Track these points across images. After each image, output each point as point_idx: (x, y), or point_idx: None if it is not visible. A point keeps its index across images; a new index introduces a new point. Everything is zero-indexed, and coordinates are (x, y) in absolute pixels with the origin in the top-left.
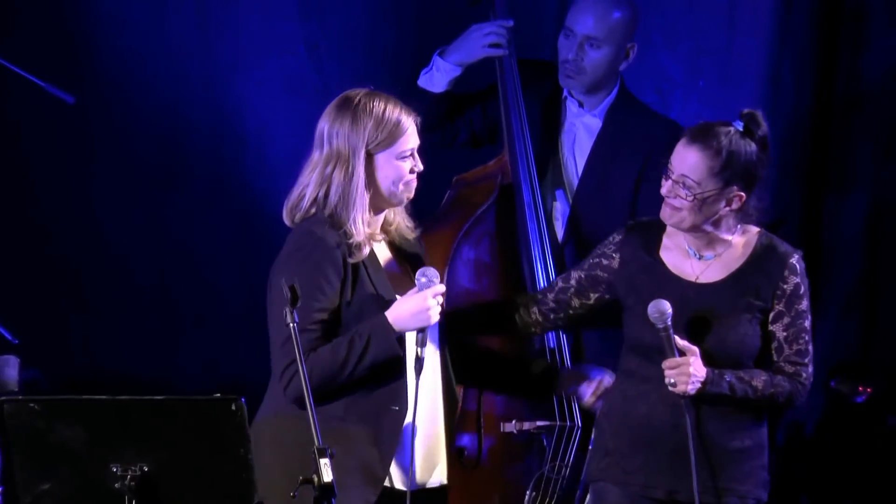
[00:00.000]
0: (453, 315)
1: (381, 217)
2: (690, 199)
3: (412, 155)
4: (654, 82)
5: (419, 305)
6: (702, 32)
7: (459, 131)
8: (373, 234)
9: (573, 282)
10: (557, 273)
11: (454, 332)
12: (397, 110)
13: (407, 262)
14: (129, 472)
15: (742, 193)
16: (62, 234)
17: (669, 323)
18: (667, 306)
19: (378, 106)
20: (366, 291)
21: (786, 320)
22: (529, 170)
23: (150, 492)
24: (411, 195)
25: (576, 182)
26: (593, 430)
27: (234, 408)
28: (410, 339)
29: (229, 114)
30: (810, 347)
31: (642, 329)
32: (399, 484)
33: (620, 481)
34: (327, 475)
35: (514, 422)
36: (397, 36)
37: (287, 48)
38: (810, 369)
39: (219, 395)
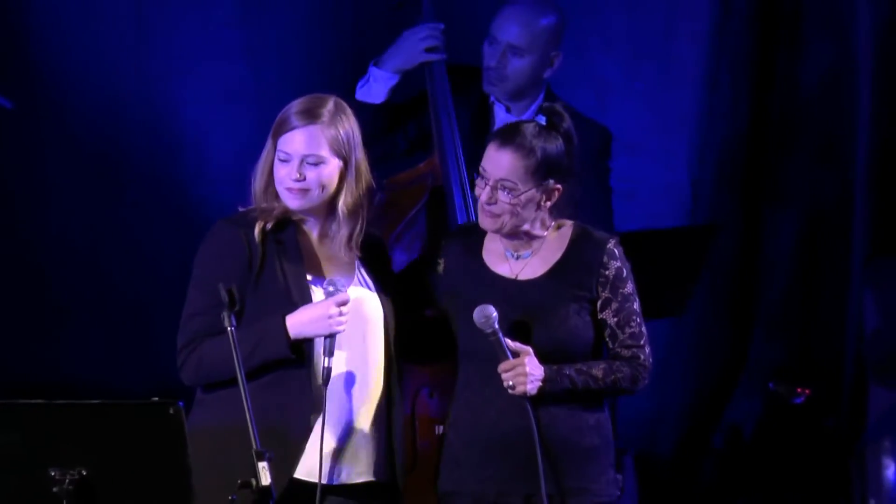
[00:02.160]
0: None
1: (282, 210)
2: (514, 201)
3: (287, 161)
4: (592, 85)
5: (320, 313)
6: (639, 35)
7: (399, 142)
8: (291, 218)
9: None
10: None
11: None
12: (289, 112)
13: (365, 268)
14: (68, 477)
15: (559, 186)
16: (8, 238)
17: (497, 327)
18: (492, 311)
19: (299, 99)
20: (274, 282)
21: (614, 306)
22: (460, 172)
23: (88, 496)
24: (296, 206)
25: None
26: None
27: (171, 412)
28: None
29: (167, 119)
30: (643, 329)
31: (472, 335)
32: (315, 479)
33: (475, 491)
34: (265, 479)
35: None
36: (336, 43)
37: (225, 54)
38: (647, 350)
39: (157, 398)
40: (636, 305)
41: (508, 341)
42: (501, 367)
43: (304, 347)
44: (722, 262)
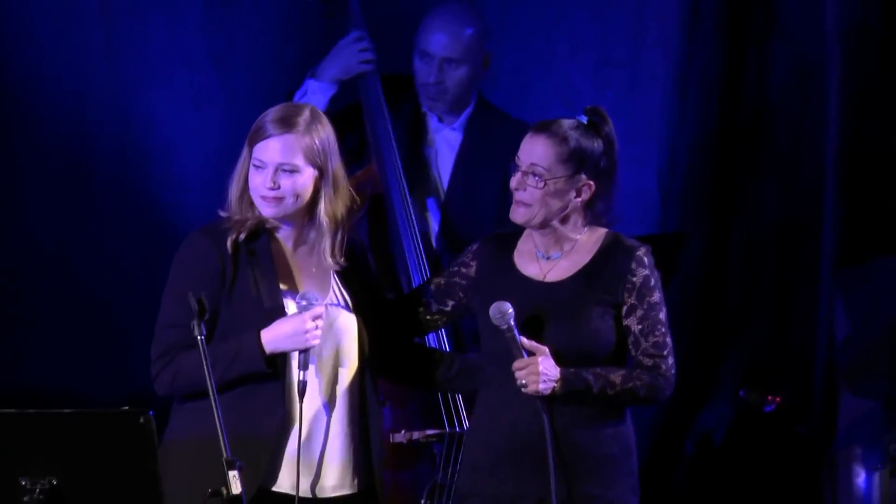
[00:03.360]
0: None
1: (257, 221)
2: (542, 186)
3: (258, 167)
4: (561, 94)
5: (295, 328)
6: (608, 43)
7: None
8: (265, 227)
9: (433, 287)
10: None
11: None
12: (264, 119)
13: (341, 280)
14: (38, 486)
15: (591, 183)
16: None
17: (512, 323)
18: (507, 307)
19: (275, 107)
20: (247, 294)
21: (639, 313)
22: (399, 180)
23: None
24: (270, 214)
25: (444, 190)
26: (463, 446)
27: (142, 421)
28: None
29: (136, 127)
30: (668, 339)
31: (493, 336)
32: (290, 491)
33: (491, 494)
34: (236, 487)
35: (402, 432)
36: (303, 50)
37: (194, 62)
38: (670, 361)
39: (127, 407)
40: (662, 315)
41: (524, 339)
42: (515, 364)
43: (278, 361)
44: (691, 269)
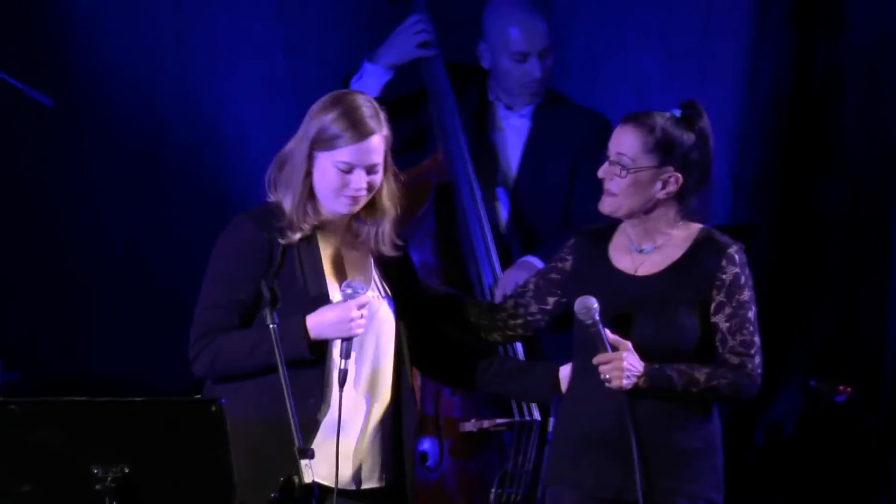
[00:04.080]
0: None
1: (322, 216)
2: (625, 175)
3: (350, 170)
4: (631, 84)
5: (340, 316)
6: (677, 33)
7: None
8: (318, 224)
9: (531, 286)
10: (503, 269)
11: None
12: (361, 118)
13: (380, 270)
14: (110, 474)
15: (678, 175)
16: (40, 239)
17: (597, 318)
18: (592, 301)
19: (349, 106)
20: (293, 282)
21: (727, 311)
22: (467, 169)
23: (130, 493)
24: (349, 211)
25: (513, 178)
26: (549, 433)
27: (213, 409)
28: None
29: (206, 117)
30: (756, 338)
31: (580, 327)
32: (323, 480)
33: (573, 483)
34: (308, 476)
35: (472, 421)
36: (371, 39)
37: (264, 50)
38: (757, 360)
39: (199, 396)
40: (751, 314)
41: (609, 334)
42: (598, 358)
43: (321, 348)
44: (761, 259)
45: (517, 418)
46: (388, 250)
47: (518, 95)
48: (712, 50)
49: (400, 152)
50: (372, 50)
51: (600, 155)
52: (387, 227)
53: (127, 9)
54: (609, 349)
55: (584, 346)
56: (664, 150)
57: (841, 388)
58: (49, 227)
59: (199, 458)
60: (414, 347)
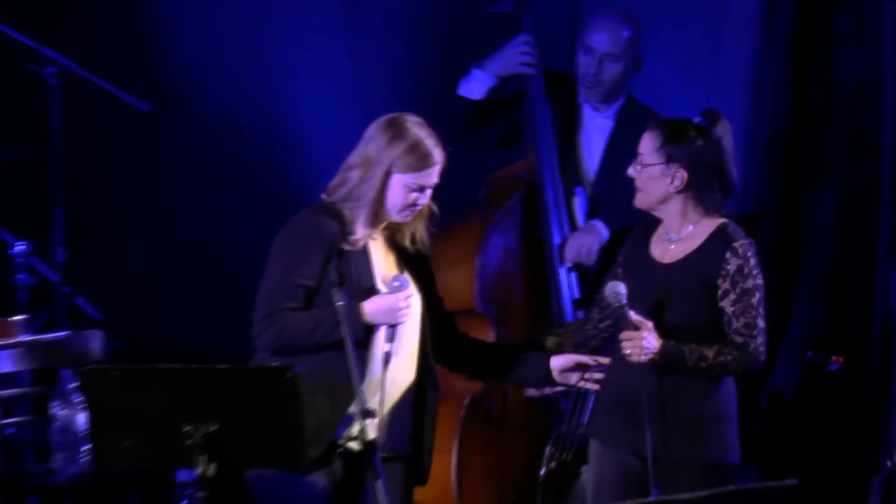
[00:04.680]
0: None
1: (383, 224)
2: (640, 171)
3: (421, 190)
4: (651, 92)
5: (391, 305)
6: (692, 47)
7: (489, 134)
8: (370, 234)
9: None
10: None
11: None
12: (432, 149)
13: (403, 266)
14: (199, 432)
15: (684, 173)
16: (138, 229)
17: (624, 301)
18: (621, 287)
19: (416, 138)
20: (347, 271)
21: (732, 297)
22: (553, 172)
23: (217, 448)
24: (407, 219)
25: (592, 177)
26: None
27: (288, 376)
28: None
29: (280, 122)
30: (760, 321)
31: (607, 298)
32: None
33: (604, 438)
34: (371, 433)
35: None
36: (428, 53)
37: (332, 60)
38: (759, 340)
39: (276, 364)
40: (755, 300)
41: (633, 315)
42: (622, 335)
43: (369, 332)
44: (765, 244)
45: (574, 387)
46: (423, 248)
47: (581, 87)
48: (723, 63)
49: (496, 148)
50: (428, 65)
51: None
52: (422, 229)
53: (212, 24)
54: (632, 328)
55: (618, 325)
56: (671, 150)
57: (834, 358)
58: (144, 217)
59: (276, 418)
60: (434, 336)
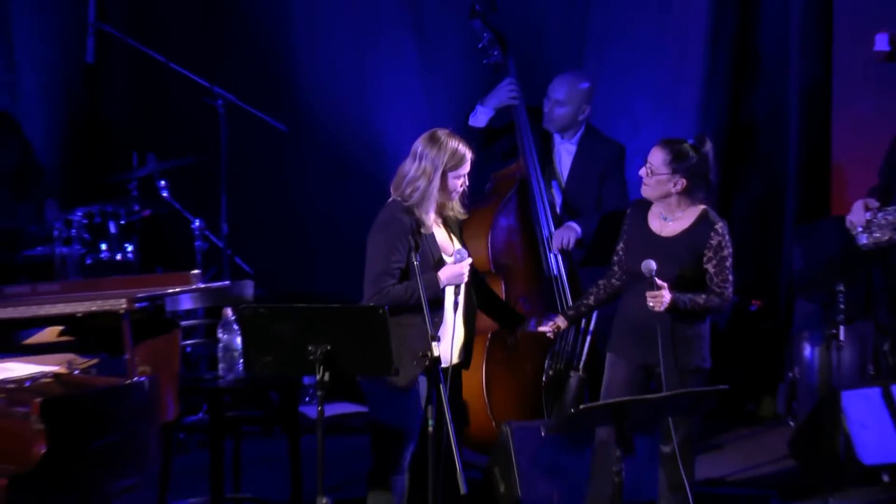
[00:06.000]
0: None
1: (442, 209)
2: (651, 176)
3: (464, 176)
4: (628, 118)
5: (456, 271)
6: (659, 83)
7: (495, 151)
8: (435, 220)
9: (621, 253)
10: (555, 229)
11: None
12: (464, 149)
13: (451, 234)
14: (319, 350)
15: (683, 180)
16: (278, 208)
17: (654, 273)
18: (653, 264)
19: (454, 145)
20: (421, 254)
21: (714, 262)
22: (536, 172)
23: (331, 362)
24: (456, 199)
25: (564, 180)
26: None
27: (380, 312)
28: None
29: (374, 137)
30: (730, 277)
31: (635, 263)
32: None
33: (618, 352)
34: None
35: (531, 323)
36: (477, 91)
37: (413, 94)
38: (729, 290)
39: (373, 304)
40: (728, 263)
41: (658, 281)
42: (648, 294)
43: (442, 292)
44: None
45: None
46: (460, 215)
47: (543, 122)
48: (681, 95)
49: (500, 158)
50: (475, 98)
51: (619, 168)
52: (458, 204)
53: (328, 69)
54: (656, 289)
55: (630, 273)
56: (676, 165)
57: (754, 302)
58: (282, 203)
59: (371, 341)
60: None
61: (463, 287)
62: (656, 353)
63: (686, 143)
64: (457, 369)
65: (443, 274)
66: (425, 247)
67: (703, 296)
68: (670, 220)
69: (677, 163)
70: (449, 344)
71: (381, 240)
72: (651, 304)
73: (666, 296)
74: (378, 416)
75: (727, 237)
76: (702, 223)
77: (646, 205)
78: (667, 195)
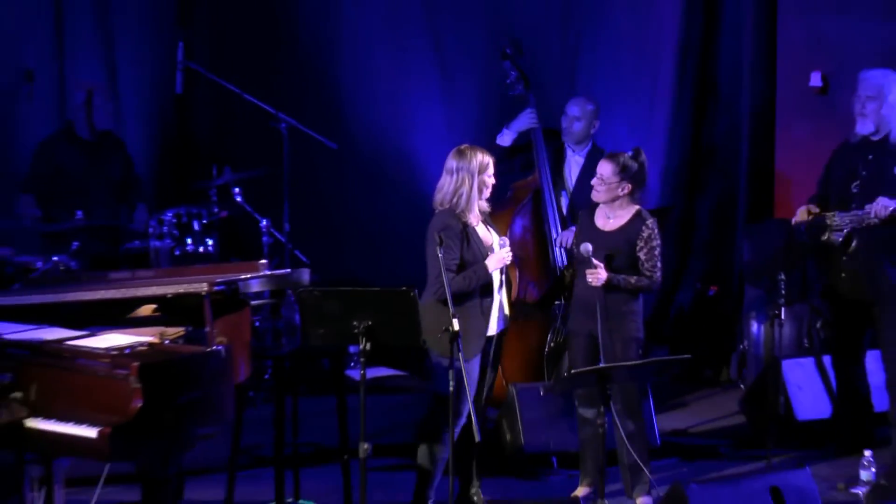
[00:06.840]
0: None
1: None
2: (602, 186)
3: (493, 175)
4: (613, 140)
5: (501, 257)
6: (636, 112)
7: (516, 164)
8: (477, 219)
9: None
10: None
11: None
12: (486, 155)
13: (488, 227)
14: (362, 325)
15: (628, 185)
16: (329, 211)
17: (590, 253)
18: (589, 246)
19: (478, 153)
20: (472, 249)
21: (645, 251)
22: (548, 184)
23: (371, 334)
24: (487, 197)
25: (572, 188)
26: None
27: (412, 294)
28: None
29: (409, 153)
30: (659, 263)
31: (580, 253)
32: (491, 332)
33: (574, 327)
34: (456, 326)
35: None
36: (499, 118)
37: (438, 120)
38: (658, 275)
39: (405, 287)
40: (657, 252)
41: (594, 259)
42: (587, 271)
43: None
44: (674, 224)
45: (562, 301)
46: (485, 207)
47: (563, 135)
48: (654, 120)
49: (519, 170)
50: (499, 123)
51: None
52: (484, 202)
53: (369, 94)
54: (593, 267)
55: (581, 264)
56: (623, 175)
57: (712, 287)
58: (331, 207)
59: (403, 318)
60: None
61: (503, 269)
62: (595, 324)
63: (627, 156)
64: (500, 337)
65: (490, 262)
66: (472, 241)
67: (635, 277)
68: (612, 217)
69: (623, 172)
70: (497, 316)
71: (450, 239)
72: (590, 280)
73: (601, 273)
74: (439, 388)
75: (656, 231)
76: (636, 220)
77: (594, 207)
78: (615, 199)
